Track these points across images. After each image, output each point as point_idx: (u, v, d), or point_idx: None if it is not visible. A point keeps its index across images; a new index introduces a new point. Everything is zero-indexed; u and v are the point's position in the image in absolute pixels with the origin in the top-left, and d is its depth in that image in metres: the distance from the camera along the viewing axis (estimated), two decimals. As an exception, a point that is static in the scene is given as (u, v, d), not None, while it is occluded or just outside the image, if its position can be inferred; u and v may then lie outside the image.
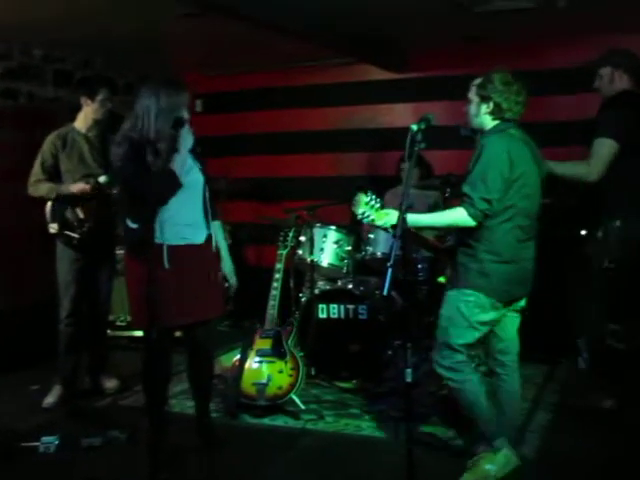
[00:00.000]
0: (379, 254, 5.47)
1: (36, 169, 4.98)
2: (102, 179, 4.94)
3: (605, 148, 4.31)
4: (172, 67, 7.07)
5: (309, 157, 7.49)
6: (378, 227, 3.81)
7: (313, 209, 5.81)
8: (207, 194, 4.04)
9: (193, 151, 4.01)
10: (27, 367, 5.66)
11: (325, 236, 5.61)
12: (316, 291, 5.64)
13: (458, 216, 3.60)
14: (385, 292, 2.96)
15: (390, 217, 3.63)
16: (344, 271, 5.64)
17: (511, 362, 3.92)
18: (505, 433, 3.80)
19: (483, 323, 3.71)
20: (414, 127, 3.34)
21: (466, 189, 3.60)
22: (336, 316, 5.36)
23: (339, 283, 5.64)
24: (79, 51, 6.59)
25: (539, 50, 6.40)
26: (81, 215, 4.93)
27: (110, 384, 5.32)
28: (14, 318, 5.79)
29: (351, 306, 5.32)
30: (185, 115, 3.85)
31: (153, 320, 3.45)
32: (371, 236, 5.52)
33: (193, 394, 4.37)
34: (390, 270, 2.96)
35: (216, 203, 4.19)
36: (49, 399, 5.06)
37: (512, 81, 3.70)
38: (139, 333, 6.05)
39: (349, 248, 5.63)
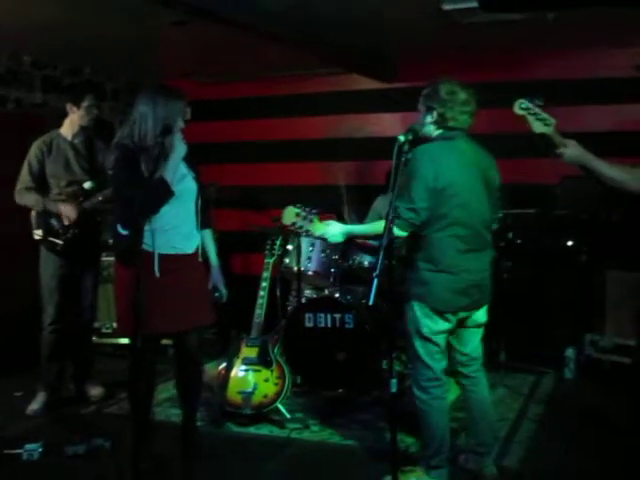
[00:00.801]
0: (366, 263, 5.48)
1: (23, 176, 4.96)
2: (87, 185, 4.94)
3: None
4: (161, 74, 7.08)
5: (297, 166, 7.51)
6: (317, 238, 3.84)
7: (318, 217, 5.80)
8: (199, 203, 4.04)
9: (187, 159, 4.01)
10: (11, 374, 5.62)
11: (312, 245, 5.62)
12: (303, 300, 5.64)
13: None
14: (371, 302, 2.95)
15: (330, 228, 3.72)
16: (331, 280, 5.64)
17: (474, 373, 3.91)
18: (446, 467, 3.79)
19: (436, 333, 3.70)
20: (401, 138, 3.35)
21: (395, 200, 3.58)
22: (322, 325, 5.35)
23: (326, 292, 5.64)
24: (68, 57, 6.58)
25: (528, 62, 6.45)
26: (66, 222, 4.92)
27: (95, 391, 5.30)
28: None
29: (338, 315, 5.32)
30: (180, 124, 3.85)
31: (139, 328, 3.44)
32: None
33: (180, 402, 4.35)
34: (376, 280, 2.95)
35: (209, 211, 4.19)
36: (33, 406, 5.03)
37: (458, 91, 3.69)
38: (124, 341, 6.06)
39: (336, 257, 5.63)
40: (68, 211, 4.91)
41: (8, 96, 6.26)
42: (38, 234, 4.97)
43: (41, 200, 4.93)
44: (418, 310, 3.70)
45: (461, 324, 3.81)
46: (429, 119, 3.75)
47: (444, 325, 3.71)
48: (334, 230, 3.75)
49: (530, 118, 3.38)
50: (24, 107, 6.35)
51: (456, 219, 3.64)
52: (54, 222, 4.92)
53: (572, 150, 3.35)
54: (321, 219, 3.78)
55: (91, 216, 5.01)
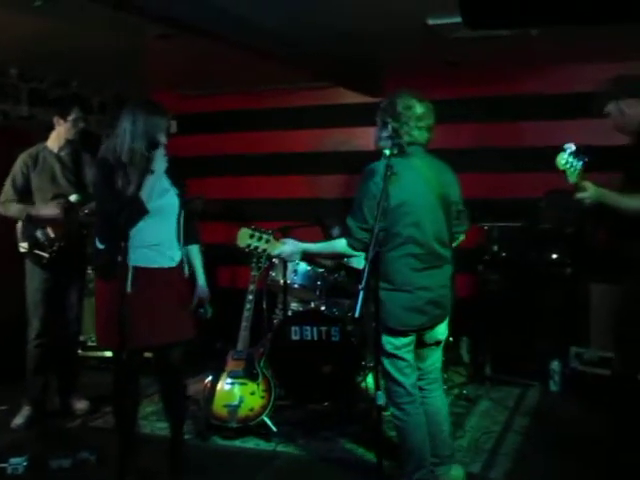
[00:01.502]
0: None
1: (7, 188, 4.95)
2: (73, 198, 4.93)
3: None
4: (147, 87, 7.09)
5: (283, 179, 7.53)
6: (276, 257, 3.85)
7: (286, 230, 5.82)
8: (182, 218, 4.03)
9: (172, 174, 4.01)
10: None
11: (298, 258, 5.62)
12: (289, 313, 5.65)
13: (341, 245, 3.63)
14: (357, 314, 2.97)
15: (286, 247, 3.72)
16: (317, 293, 5.65)
17: (427, 385, 3.91)
18: (429, 478, 3.78)
19: (399, 348, 3.69)
20: (387, 152, 3.37)
21: (347, 219, 3.62)
22: (309, 338, 5.35)
23: (312, 305, 5.64)
24: (54, 70, 6.59)
25: (513, 77, 6.51)
26: (52, 234, 4.90)
27: (80, 405, 5.27)
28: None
29: (324, 328, 5.31)
30: (162, 139, 3.86)
31: (122, 341, 3.43)
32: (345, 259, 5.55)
33: (167, 416, 4.33)
34: (362, 292, 2.97)
35: (196, 227, 4.19)
36: (18, 420, 5.00)
37: (414, 105, 3.65)
38: (110, 354, 6.02)
39: (322, 270, 5.65)
40: (49, 210, 4.86)
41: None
42: (24, 247, 4.95)
43: (25, 208, 4.90)
44: (382, 327, 3.63)
45: (420, 342, 3.80)
46: (384, 134, 3.72)
47: (405, 340, 3.70)
48: (290, 249, 3.73)
49: (569, 171, 3.63)
50: (11, 120, 6.35)
51: (410, 238, 3.60)
52: (40, 235, 4.90)
53: (591, 192, 3.64)
54: (277, 238, 3.79)
55: (77, 229, 4.99)
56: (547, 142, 6.31)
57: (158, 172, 3.88)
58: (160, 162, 3.88)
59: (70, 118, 4.98)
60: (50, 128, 5.06)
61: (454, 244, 3.94)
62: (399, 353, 3.70)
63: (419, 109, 3.66)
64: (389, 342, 3.68)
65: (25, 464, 4.24)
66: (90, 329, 6.18)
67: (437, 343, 3.88)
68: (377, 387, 3.22)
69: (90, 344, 6.34)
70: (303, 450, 4.61)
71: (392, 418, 3.83)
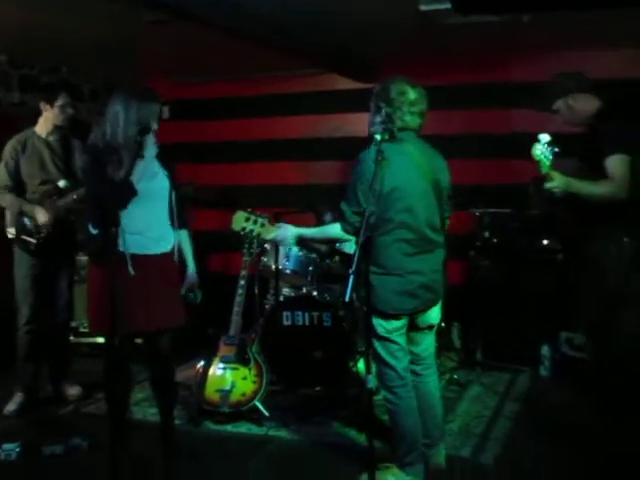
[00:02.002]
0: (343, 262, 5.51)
1: (1, 175, 4.94)
2: (61, 184, 4.92)
3: (622, 164, 3.96)
4: (140, 73, 7.07)
5: (276, 165, 7.53)
6: (270, 241, 3.89)
7: (279, 217, 5.83)
8: (173, 202, 4.04)
9: (161, 158, 4.01)
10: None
11: (290, 244, 5.64)
12: (281, 298, 5.67)
13: (335, 230, 3.67)
14: (347, 298, 2.98)
15: (281, 231, 3.78)
16: (308, 278, 5.66)
17: (422, 370, 3.96)
18: (421, 463, 3.83)
19: (391, 331, 3.73)
20: (378, 137, 3.39)
21: (341, 203, 3.65)
22: (300, 323, 5.37)
23: (304, 290, 5.66)
24: (45, 57, 6.56)
25: (506, 64, 6.51)
26: (39, 221, 4.87)
27: (72, 391, 5.28)
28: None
29: (315, 313, 5.33)
30: (154, 125, 3.85)
31: (114, 327, 3.44)
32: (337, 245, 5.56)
33: (157, 402, 4.35)
34: (352, 277, 2.98)
35: (186, 211, 4.19)
36: (10, 406, 5.01)
37: (407, 91, 3.68)
38: (102, 340, 6.03)
39: (314, 255, 5.66)
40: (40, 214, 4.87)
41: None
42: (11, 233, 4.95)
43: (17, 202, 4.91)
44: (372, 310, 3.67)
45: (413, 326, 3.84)
46: (378, 119, 3.74)
47: (396, 323, 3.73)
48: (285, 233, 3.79)
49: (543, 162, 3.75)
50: (1, 106, 6.32)
51: (402, 223, 3.63)
52: (27, 221, 4.89)
53: (559, 182, 3.79)
54: (272, 222, 3.83)
55: (65, 215, 4.98)
56: (538, 128, 6.36)
57: (148, 157, 3.89)
58: (151, 148, 3.89)
59: (57, 104, 4.96)
60: (40, 114, 5.05)
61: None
62: (391, 337, 3.73)
63: (412, 95, 3.68)
64: (381, 325, 3.71)
65: (18, 450, 4.25)
66: (82, 315, 6.18)
67: (430, 327, 3.91)
68: (368, 371, 3.24)
69: (82, 330, 6.34)
70: (295, 435, 4.63)
71: (384, 402, 3.86)
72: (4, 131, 5.13)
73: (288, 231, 3.79)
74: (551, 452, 4.28)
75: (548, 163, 3.76)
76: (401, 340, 3.78)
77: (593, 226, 4.08)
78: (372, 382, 3.20)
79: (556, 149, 3.74)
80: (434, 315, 3.89)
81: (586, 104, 4.20)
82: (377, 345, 3.76)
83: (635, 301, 4.04)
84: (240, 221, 3.76)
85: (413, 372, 3.94)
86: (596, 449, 4.18)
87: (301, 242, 3.91)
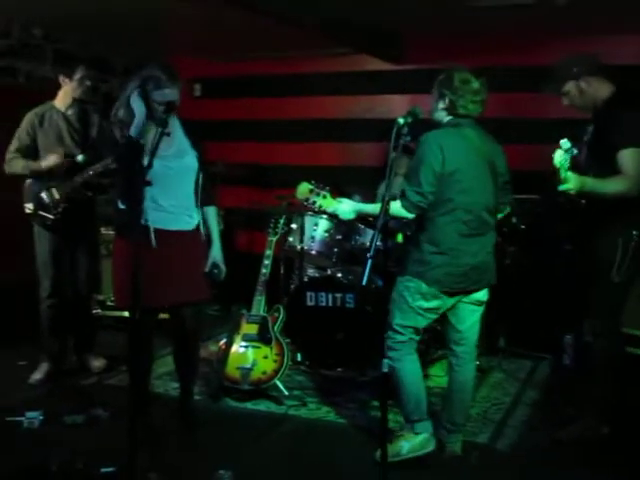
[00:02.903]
0: (368, 244, 5.49)
1: (11, 147, 4.96)
2: (79, 158, 4.93)
3: (637, 158, 3.88)
4: (172, 50, 7.09)
5: (305, 145, 7.51)
6: (327, 214, 4.11)
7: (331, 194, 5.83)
8: (200, 181, 4.07)
9: (191, 136, 4.05)
10: (15, 343, 5.70)
11: (316, 224, 5.66)
12: (305, 279, 5.69)
13: (396, 208, 3.71)
14: (364, 282, 3.02)
15: (342, 205, 3.87)
16: (333, 260, 5.67)
17: (464, 354, 4.00)
18: (428, 419, 3.91)
19: (426, 309, 3.82)
20: (400, 120, 3.40)
21: (404, 182, 3.75)
22: (324, 304, 5.39)
23: (328, 271, 5.67)
24: (79, 32, 6.60)
25: (540, 46, 6.41)
26: (56, 195, 4.90)
27: (97, 363, 5.36)
28: (3, 294, 5.80)
29: (339, 294, 5.35)
30: (175, 103, 3.88)
31: (138, 300, 3.48)
32: (361, 226, 5.56)
33: (178, 375, 4.43)
34: (370, 260, 3.00)
35: (213, 189, 4.22)
36: (36, 375, 5.11)
37: (471, 80, 3.79)
38: (127, 314, 6.09)
39: (339, 237, 5.67)
40: (51, 160, 4.84)
41: (19, 68, 6.30)
42: (29, 208, 4.96)
43: (28, 164, 4.91)
44: (413, 285, 3.79)
45: (461, 302, 3.89)
46: (441, 105, 3.86)
47: (436, 303, 3.81)
48: (346, 207, 3.88)
49: (563, 168, 3.69)
50: (34, 80, 6.38)
51: (460, 204, 3.74)
52: (44, 196, 4.91)
53: (574, 183, 3.73)
54: (334, 196, 3.91)
55: (83, 190, 4.97)
56: (570, 114, 6.29)
57: (177, 135, 3.94)
58: (176, 126, 3.93)
59: (76, 77, 4.96)
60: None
61: (499, 215, 4.08)
62: (426, 314, 3.84)
63: (475, 84, 3.81)
64: (419, 301, 3.80)
65: (41, 418, 4.34)
66: (109, 289, 6.26)
67: (478, 303, 3.95)
68: (384, 355, 3.26)
69: (109, 304, 6.41)
70: (314, 414, 4.67)
71: (390, 363, 3.80)
72: (35, 104, 5.15)
73: (348, 205, 3.89)
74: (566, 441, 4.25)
75: (566, 167, 3.71)
76: (432, 318, 3.88)
77: (601, 220, 4.03)
78: (386, 366, 3.22)
79: (574, 152, 3.68)
80: (482, 293, 3.95)
81: (598, 89, 4.10)
82: (400, 314, 3.84)
83: None
84: (304, 191, 3.87)
85: (454, 354, 4.02)
86: (614, 439, 4.17)
87: (360, 217, 4.03)
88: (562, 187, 3.76)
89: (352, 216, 3.92)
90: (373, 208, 3.93)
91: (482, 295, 3.94)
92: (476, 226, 3.79)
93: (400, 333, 3.85)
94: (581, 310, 5.62)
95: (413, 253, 3.84)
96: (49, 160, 4.86)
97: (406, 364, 3.87)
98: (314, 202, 3.87)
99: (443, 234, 3.76)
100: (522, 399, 4.98)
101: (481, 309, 4.00)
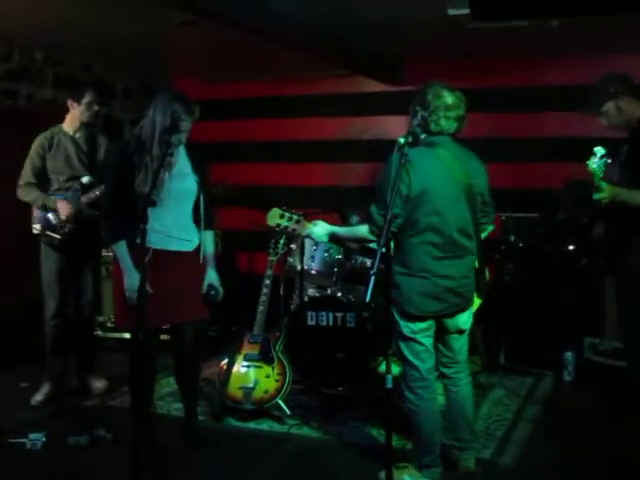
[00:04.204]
0: (368, 263, 5.53)
1: (26, 171, 5.02)
2: (85, 180, 5.00)
3: None
4: (171, 73, 7.15)
5: (303, 166, 7.57)
6: (305, 237, 4.06)
7: (305, 217, 5.86)
8: (201, 204, 4.10)
9: (193, 160, 4.09)
10: (17, 364, 5.71)
11: (316, 244, 5.69)
12: (305, 298, 5.71)
13: (363, 231, 3.71)
14: (367, 298, 3.02)
15: (315, 228, 3.86)
16: (333, 279, 5.70)
17: (455, 374, 3.97)
18: (438, 465, 3.85)
19: (416, 332, 3.75)
20: (401, 140, 3.42)
21: (370, 205, 3.69)
22: (324, 323, 5.41)
23: (328, 291, 5.70)
24: (79, 55, 6.66)
25: (534, 68, 6.50)
26: (63, 217, 4.94)
27: (99, 384, 5.36)
28: (4, 315, 5.82)
29: (339, 314, 5.38)
30: (184, 134, 3.96)
31: (139, 320, 3.50)
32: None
33: (181, 396, 4.44)
34: (372, 277, 3.02)
35: (212, 213, 4.25)
36: (38, 397, 5.11)
37: (444, 95, 3.69)
38: (129, 335, 6.11)
39: (339, 257, 5.70)
40: (62, 208, 4.93)
41: (20, 91, 6.35)
42: (37, 228, 5.02)
43: (40, 197, 4.98)
44: (396, 312, 3.75)
45: (443, 329, 3.86)
46: (415, 122, 3.78)
47: (422, 325, 3.75)
48: (319, 230, 3.87)
49: (597, 174, 3.74)
50: (35, 103, 6.43)
51: (429, 226, 3.65)
52: (51, 217, 4.97)
53: (608, 192, 3.76)
54: (309, 220, 3.92)
55: (89, 211, 5.01)
56: (566, 133, 6.35)
57: (179, 158, 3.99)
58: (180, 149, 3.99)
59: (84, 101, 5.03)
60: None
61: (482, 235, 3.97)
62: (416, 337, 3.76)
63: (449, 99, 3.70)
64: (406, 326, 3.75)
65: (43, 440, 4.33)
66: (109, 310, 6.28)
67: (459, 332, 3.91)
68: (387, 371, 3.27)
69: (109, 325, 6.43)
70: (316, 433, 4.67)
71: (406, 402, 3.87)
72: (35, 127, 5.21)
73: (323, 228, 3.88)
74: (570, 456, 4.27)
75: (600, 175, 3.74)
76: (427, 341, 3.80)
77: (631, 235, 4.02)
78: (390, 382, 3.23)
79: (609, 160, 3.72)
80: (463, 320, 3.88)
81: (636, 107, 4.12)
82: (402, 345, 3.80)
83: None
84: (275, 217, 3.86)
85: (444, 375, 3.99)
86: (616, 455, 4.19)
87: (333, 239, 3.99)
88: (596, 196, 3.76)
89: (325, 239, 3.91)
90: (345, 231, 3.97)
91: (463, 323, 3.88)
92: (449, 249, 3.69)
93: (414, 366, 3.78)
94: (581, 326, 5.68)
95: (390, 277, 3.69)
96: (63, 209, 4.92)
97: (422, 412, 3.80)
98: (286, 227, 3.85)
99: (413, 256, 3.68)
100: (523, 415, 4.98)
101: (465, 336, 3.97)
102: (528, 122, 6.58)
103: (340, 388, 5.36)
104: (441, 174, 3.67)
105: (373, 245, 5.21)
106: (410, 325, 3.74)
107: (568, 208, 5.75)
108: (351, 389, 5.33)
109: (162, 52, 6.50)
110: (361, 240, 4.00)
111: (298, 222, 3.86)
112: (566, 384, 5.64)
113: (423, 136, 3.74)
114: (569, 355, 5.66)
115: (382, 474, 3.67)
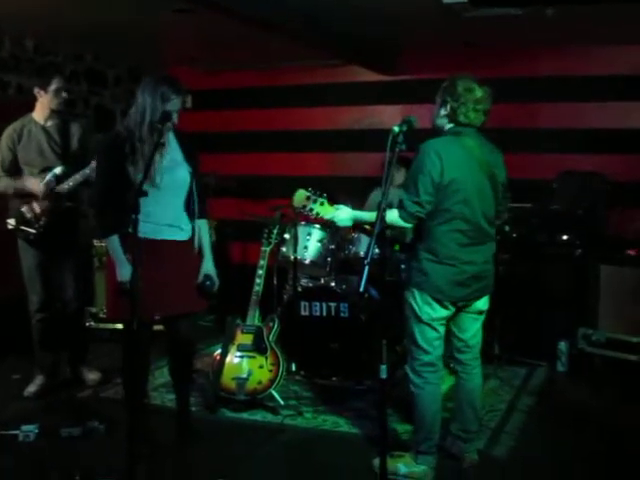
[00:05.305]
0: (362, 253, 5.52)
1: None
2: (58, 170, 4.83)
3: None
4: (163, 61, 7.11)
5: (296, 156, 7.56)
6: (324, 221, 3.99)
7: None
8: (194, 194, 4.07)
9: (185, 149, 4.05)
10: (9, 356, 5.69)
11: (309, 234, 5.67)
12: (299, 288, 5.69)
13: (393, 217, 3.70)
14: (361, 288, 3.00)
15: (339, 212, 3.83)
16: (327, 269, 5.69)
17: (469, 361, 3.99)
18: (434, 454, 3.87)
19: (434, 319, 3.79)
20: (396, 129, 3.39)
21: (402, 192, 3.73)
22: (318, 314, 5.40)
23: (322, 281, 5.69)
24: (70, 44, 6.61)
25: (530, 57, 6.48)
26: (37, 210, 4.82)
27: (92, 376, 5.33)
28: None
29: (333, 304, 5.37)
30: (175, 117, 3.88)
31: (132, 312, 3.47)
32: (354, 235, 5.58)
33: (174, 387, 4.41)
34: (366, 267, 3.00)
35: (205, 202, 4.21)
36: (30, 388, 5.08)
37: (474, 88, 3.74)
38: (121, 326, 6.08)
39: (333, 246, 5.68)
40: (34, 185, 4.80)
41: (10, 82, 6.29)
42: (11, 223, 4.88)
43: (10, 184, 4.85)
44: (418, 297, 3.78)
45: (460, 310, 3.88)
46: (443, 112, 3.81)
47: (443, 312, 3.79)
48: (343, 215, 3.84)
49: None
50: (25, 93, 6.37)
51: (458, 214, 3.71)
52: (25, 210, 4.83)
53: None
54: (330, 204, 3.88)
55: (64, 203, 4.90)
56: (562, 124, 6.35)
57: (171, 147, 3.94)
58: (171, 137, 3.94)
59: (51, 88, 4.84)
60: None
61: (498, 222, 4.04)
62: (434, 324, 3.80)
63: (479, 93, 3.75)
64: (426, 312, 3.77)
65: (36, 432, 4.31)
66: (103, 301, 6.25)
67: (479, 312, 3.94)
68: (381, 361, 3.25)
69: (102, 316, 6.39)
70: (310, 424, 4.66)
71: (410, 385, 3.87)
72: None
73: (345, 213, 3.85)
74: (564, 447, 4.28)
75: None
76: (442, 329, 3.84)
77: None
78: (384, 372, 3.21)
79: None
80: (483, 302, 3.93)
81: None
82: (415, 329, 3.82)
83: None
84: (301, 199, 3.84)
85: (459, 362, 4.00)
86: (610, 445, 4.19)
87: (356, 225, 3.97)
88: None
89: (349, 223, 3.88)
90: (370, 216, 3.90)
91: (482, 304, 3.92)
92: (475, 236, 3.76)
93: (426, 351, 3.81)
94: (575, 317, 5.68)
95: (413, 263, 3.81)
96: (32, 184, 4.81)
97: (426, 395, 3.82)
98: (311, 209, 3.84)
99: (441, 244, 3.72)
100: (517, 406, 4.98)
101: (482, 317, 3.99)
102: (523, 112, 6.56)
103: (334, 378, 5.35)
104: (470, 163, 3.74)
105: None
106: (430, 312, 3.77)
107: (563, 198, 5.75)
108: (344, 379, 5.32)
109: (154, 40, 6.45)
110: (389, 226, 3.97)
111: (322, 204, 3.83)
112: (560, 375, 5.64)
113: (450, 126, 3.79)
114: (563, 345, 5.66)
115: (376, 461, 3.66)
